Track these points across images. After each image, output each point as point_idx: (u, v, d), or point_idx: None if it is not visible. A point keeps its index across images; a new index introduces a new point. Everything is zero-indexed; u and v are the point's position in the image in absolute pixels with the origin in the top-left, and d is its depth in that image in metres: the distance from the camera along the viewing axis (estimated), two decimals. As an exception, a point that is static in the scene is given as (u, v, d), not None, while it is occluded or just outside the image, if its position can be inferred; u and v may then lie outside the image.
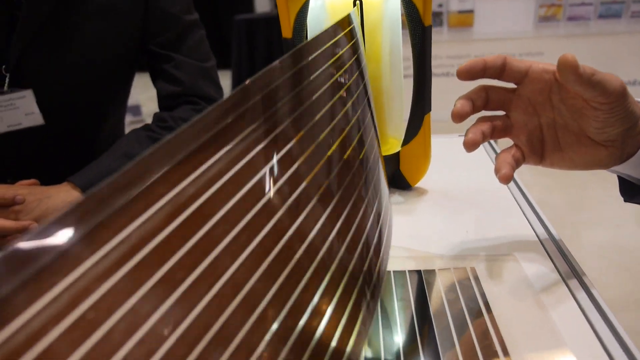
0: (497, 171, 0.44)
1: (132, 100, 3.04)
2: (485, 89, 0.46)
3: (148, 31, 0.82)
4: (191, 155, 0.24)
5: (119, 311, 0.18)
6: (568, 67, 0.38)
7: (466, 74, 0.44)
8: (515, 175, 0.69)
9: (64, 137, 0.81)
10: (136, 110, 3.15)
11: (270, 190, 0.28)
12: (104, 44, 0.78)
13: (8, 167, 0.79)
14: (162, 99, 0.85)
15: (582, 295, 0.44)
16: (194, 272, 0.22)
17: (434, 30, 3.16)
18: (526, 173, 2.47)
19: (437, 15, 3.13)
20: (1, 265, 0.16)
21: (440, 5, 3.11)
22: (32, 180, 0.70)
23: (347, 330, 0.30)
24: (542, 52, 3.00)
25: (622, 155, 0.43)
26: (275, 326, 0.26)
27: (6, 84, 0.73)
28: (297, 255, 0.28)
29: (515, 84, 0.45)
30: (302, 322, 0.27)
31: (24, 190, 0.66)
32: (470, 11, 3.12)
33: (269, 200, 0.28)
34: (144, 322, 0.19)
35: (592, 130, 0.42)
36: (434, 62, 1.92)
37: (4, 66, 0.72)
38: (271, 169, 0.29)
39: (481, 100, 0.46)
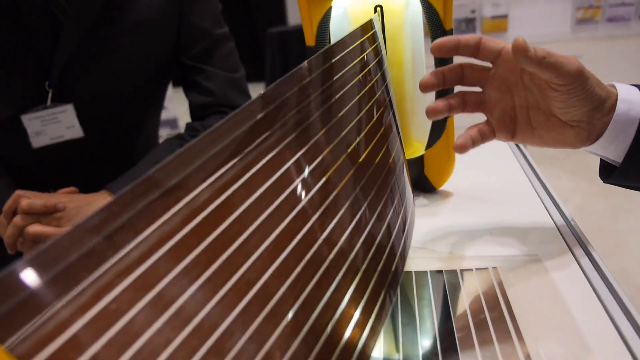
0: (455, 141, 0.48)
1: (169, 114, 3.14)
2: (462, 66, 0.49)
3: (180, 45, 0.86)
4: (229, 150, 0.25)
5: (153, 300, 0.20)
6: (518, 50, 0.40)
7: (438, 50, 0.47)
8: (546, 177, 0.68)
9: (102, 147, 0.85)
10: (173, 123, 3.23)
11: (292, 188, 0.29)
12: (140, 58, 0.82)
13: (50, 176, 0.83)
14: (194, 109, 0.88)
15: (608, 297, 0.43)
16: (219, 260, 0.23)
17: (467, 36, 3.13)
18: (567, 179, 2.40)
19: (470, 22, 3.08)
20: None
21: (473, 12, 3.06)
22: (71, 189, 0.73)
23: (360, 325, 0.31)
24: (580, 54, 2.90)
25: (591, 136, 0.45)
26: (288, 318, 0.27)
27: (49, 99, 0.77)
28: (313, 250, 0.29)
29: (491, 62, 0.47)
30: (315, 314, 0.28)
31: (65, 198, 0.70)
32: (505, 16, 3.06)
33: (291, 199, 0.29)
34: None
35: (556, 110, 0.44)
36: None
37: (47, 82, 0.76)
38: (296, 165, 0.30)
39: (454, 75, 0.48)
